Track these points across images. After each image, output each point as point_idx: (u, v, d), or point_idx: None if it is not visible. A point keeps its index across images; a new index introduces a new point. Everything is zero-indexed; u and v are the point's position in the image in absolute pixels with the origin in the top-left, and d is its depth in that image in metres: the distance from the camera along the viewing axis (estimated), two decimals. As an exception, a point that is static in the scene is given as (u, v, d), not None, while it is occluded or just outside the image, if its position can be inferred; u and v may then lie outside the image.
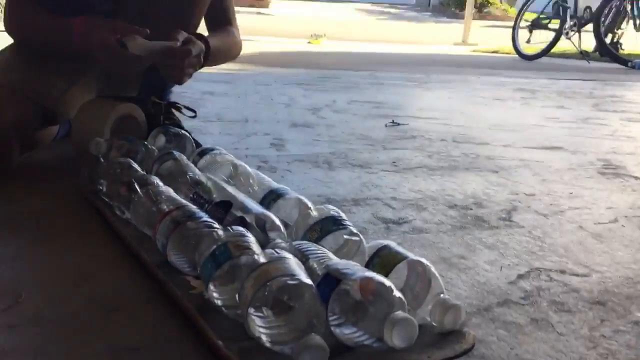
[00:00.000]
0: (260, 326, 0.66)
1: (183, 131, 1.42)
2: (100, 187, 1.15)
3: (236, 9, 1.72)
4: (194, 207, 0.94)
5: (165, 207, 0.95)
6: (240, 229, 0.81)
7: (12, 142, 1.31)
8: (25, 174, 1.36)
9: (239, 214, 0.95)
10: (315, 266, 0.75)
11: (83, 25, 1.29)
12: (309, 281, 0.67)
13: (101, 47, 1.25)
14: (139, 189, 1.03)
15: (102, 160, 1.28)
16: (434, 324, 0.72)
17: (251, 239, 0.79)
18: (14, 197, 1.22)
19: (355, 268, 0.71)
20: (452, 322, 0.71)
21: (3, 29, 1.44)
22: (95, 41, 1.25)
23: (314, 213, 0.93)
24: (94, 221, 1.11)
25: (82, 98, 1.49)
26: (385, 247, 0.80)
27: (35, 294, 0.83)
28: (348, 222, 0.90)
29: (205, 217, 0.90)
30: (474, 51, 7.90)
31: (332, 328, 0.68)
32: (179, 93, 1.91)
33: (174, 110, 1.61)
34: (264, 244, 0.83)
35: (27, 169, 1.39)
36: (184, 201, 0.97)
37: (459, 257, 1.04)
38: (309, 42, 7.66)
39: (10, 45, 1.49)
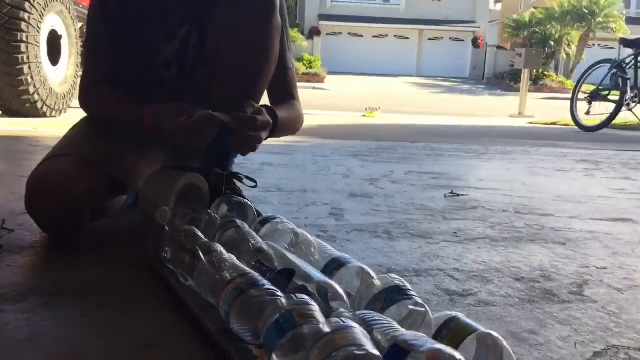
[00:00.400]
0: (326, 398, 0.64)
1: (245, 200, 1.44)
2: (165, 255, 1.17)
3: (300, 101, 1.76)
4: (257, 275, 0.94)
5: (228, 274, 0.95)
6: (305, 297, 0.80)
7: (84, 210, 1.36)
8: (94, 241, 1.40)
9: (300, 282, 0.94)
10: (381, 337, 0.73)
11: (150, 115, 1.38)
12: (376, 352, 0.65)
13: (172, 129, 1.34)
14: (202, 257, 1.04)
15: (167, 228, 1.30)
16: (508, 401, 0.68)
17: (315, 307, 0.78)
18: (83, 263, 1.25)
19: (424, 339, 0.68)
20: (528, 401, 0.67)
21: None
22: (165, 125, 1.34)
23: (378, 282, 0.91)
24: (158, 288, 1.12)
25: (149, 170, 1.55)
26: (454, 318, 0.77)
27: (101, 360, 0.84)
28: (413, 292, 0.88)
29: (268, 285, 0.90)
30: (530, 123, 7.84)
31: (401, 402, 0.65)
32: (239, 164, 1.96)
33: (235, 181, 1.64)
34: (326, 313, 0.81)
35: (97, 236, 1.44)
36: (247, 269, 0.98)
37: (529, 332, 1.00)
38: (364, 116, 7.79)
39: (84, 119, 1.58)
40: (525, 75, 9.53)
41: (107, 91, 1.50)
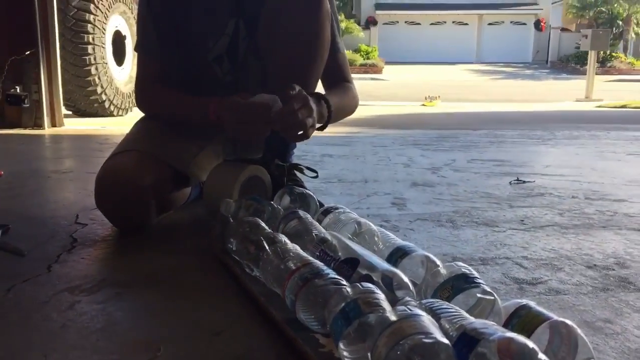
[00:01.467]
0: (394, 386, 0.64)
1: (307, 191, 1.45)
2: (231, 246, 1.19)
3: (354, 83, 1.75)
4: (321, 264, 0.94)
5: (292, 264, 0.96)
6: (370, 285, 0.80)
7: (150, 202, 1.40)
8: (162, 234, 1.44)
9: (364, 272, 0.94)
10: (448, 326, 0.72)
11: (218, 101, 1.38)
12: (445, 340, 0.64)
13: (232, 123, 1.35)
14: (267, 247, 1.06)
15: (232, 220, 1.33)
16: (584, 392, 0.66)
17: (381, 295, 0.77)
18: (152, 256, 1.29)
19: (494, 327, 0.67)
20: (606, 391, 0.64)
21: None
22: (227, 117, 1.35)
23: (444, 270, 0.89)
24: (225, 278, 1.14)
25: (210, 162, 1.58)
26: (525, 306, 0.75)
27: (173, 348, 0.86)
28: (480, 280, 0.86)
29: (333, 274, 0.90)
30: (599, 107, 7.54)
31: (471, 392, 0.64)
32: (299, 157, 1.97)
33: (296, 172, 1.65)
34: (392, 302, 0.80)
35: (164, 229, 1.48)
36: (311, 258, 0.98)
37: (604, 321, 0.96)
38: (423, 105, 7.69)
39: (142, 118, 1.62)
40: (592, 57, 9.16)
41: (164, 90, 1.53)
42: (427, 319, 0.68)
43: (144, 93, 1.57)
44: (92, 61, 4.66)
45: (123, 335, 0.90)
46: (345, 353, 0.75)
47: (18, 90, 3.70)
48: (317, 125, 1.42)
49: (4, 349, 0.85)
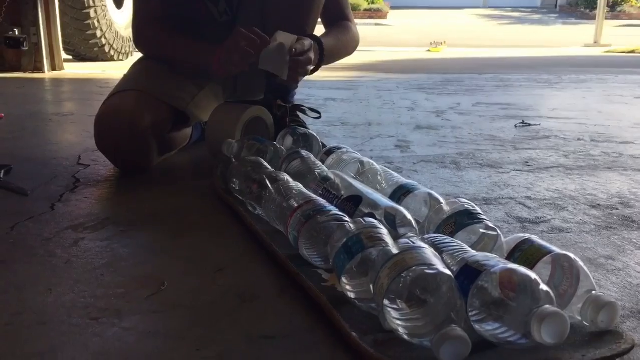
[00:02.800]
0: (396, 318, 0.64)
1: (310, 131, 1.43)
2: (233, 185, 1.19)
3: (354, 21, 1.71)
4: (324, 202, 0.94)
5: (295, 202, 0.95)
6: (373, 220, 0.80)
7: (150, 142, 1.39)
8: (164, 175, 1.44)
9: (367, 210, 0.93)
10: (450, 260, 0.72)
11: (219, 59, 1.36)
12: (447, 272, 0.64)
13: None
14: (269, 185, 1.05)
15: (234, 160, 1.32)
16: (585, 323, 0.66)
17: (384, 230, 0.77)
18: (155, 196, 1.29)
19: (497, 260, 0.66)
20: (607, 321, 0.64)
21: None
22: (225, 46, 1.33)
23: (447, 207, 0.89)
24: (228, 218, 1.14)
25: (209, 102, 1.56)
26: (527, 240, 0.75)
27: (176, 283, 0.87)
28: (484, 216, 0.85)
29: (336, 211, 0.90)
30: (607, 52, 7.41)
31: (473, 324, 0.64)
32: (301, 100, 1.94)
33: (298, 113, 1.64)
34: (394, 239, 0.80)
35: (167, 170, 1.48)
36: (314, 196, 0.97)
37: (606, 257, 0.96)
38: (428, 51, 7.56)
39: (140, 59, 1.59)
40: (602, 1, 8.94)
41: (164, 30, 1.49)
42: (429, 252, 0.68)
43: (142, 32, 1.53)
44: (91, 4, 4.56)
45: (127, 271, 0.91)
46: (348, 287, 0.75)
47: (17, 33, 3.64)
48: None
49: (10, 283, 0.86)
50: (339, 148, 1.29)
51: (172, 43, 1.48)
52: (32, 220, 1.11)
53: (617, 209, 1.20)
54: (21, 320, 0.75)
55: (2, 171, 1.37)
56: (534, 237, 0.76)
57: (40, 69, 3.79)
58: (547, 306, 0.59)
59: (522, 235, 0.77)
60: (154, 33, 1.51)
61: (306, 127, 1.57)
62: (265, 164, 1.19)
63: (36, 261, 0.94)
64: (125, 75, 1.54)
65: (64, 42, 4.40)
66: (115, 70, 4.08)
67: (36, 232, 1.05)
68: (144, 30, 1.52)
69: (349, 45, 1.64)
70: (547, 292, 0.61)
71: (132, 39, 5.27)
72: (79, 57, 4.88)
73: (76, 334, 0.72)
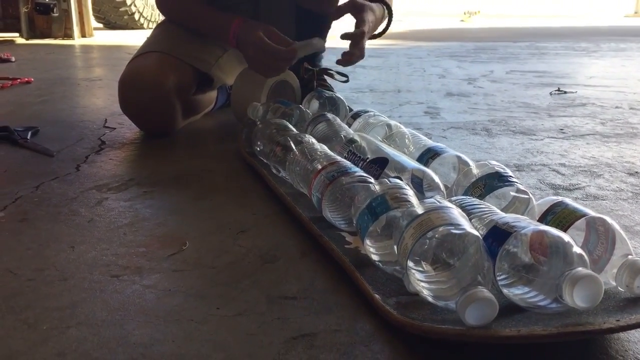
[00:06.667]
0: (420, 280, 0.62)
1: (336, 94, 1.40)
2: (258, 148, 1.17)
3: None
4: (348, 163, 0.91)
5: (319, 163, 0.93)
6: (398, 181, 0.77)
7: (173, 104, 1.38)
8: (189, 138, 1.43)
9: (393, 173, 0.90)
10: (478, 223, 0.69)
11: (237, 32, 1.33)
12: (475, 232, 0.61)
13: (252, 50, 1.32)
14: (294, 147, 1.03)
15: (259, 123, 1.30)
16: (620, 289, 0.63)
17: (410, 191, 0.74)
18: (179, 159, 1.28)
19: (527, 222, 0.63)
20: (644, 287, 0.61)
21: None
22: (249, 43, 1.31)
23: (476, 170, 0.86)
24: (252, 180, 1.13)
25: (233, 65, 1.53)
26: (561, 203, 0.71)
27: (198, 244, 0.86)
28: (515, 179, 0.82)
29: (361, 172, 0.87)
30: (649, 20, 7.15)
31: (501, 287, 0.61)
32: (329, 65, 1.90)
33: (326, 77, 1.60)
34: (421, 201, 0.77)
35: (191, 133, 1.46)
36: (339, 157, 0.95)
37: (643, 225, 0.92)
38: (461, 21, 7.39)
39: (161, 22, 1.57)
40: (644, -33, 8.59)
41: None
42: (456, 211, 0.65)
43: None
44: (121, -29, 4.56)
45: (150, 231, 0.90)
46: (371, 249, 0.73)
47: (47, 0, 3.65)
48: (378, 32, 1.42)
49: (33, 240, 0.86)
50: (366, 111, 1.26)
51: (192, 12, 1.45)
52: (57, 180, 1.11)
53: (656, 177, 1.15)
54: (43, 276, 0.75)
55: (29, 132, 1.38)
56: (567, 200, 0.72)
57: (70, 36, 3.81)
58: (580, 269, 0.56)
59: (554, 197, 0.74)
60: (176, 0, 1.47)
61: (333, 91, 1.53)
62: (290, 126, 1.17)
63: (60, 219, 0.93)
64: (148, 38, 1.52)
65: (94, 11, 4.42)
66: (144, 38, 4.08)
67: (60, 192, 1.05)
68: None
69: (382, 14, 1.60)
70: (580, 254, 0.58)
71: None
72: (109, 25, 4.90)
73: (97, 290, 0.71)
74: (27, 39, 3.72)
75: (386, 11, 1.43)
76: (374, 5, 1.38)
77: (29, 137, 1.36)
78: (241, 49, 1.35)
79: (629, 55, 3.20)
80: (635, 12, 8.57)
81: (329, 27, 1.57)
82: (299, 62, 1.55)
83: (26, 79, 2.19)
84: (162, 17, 5.00)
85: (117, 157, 1.28)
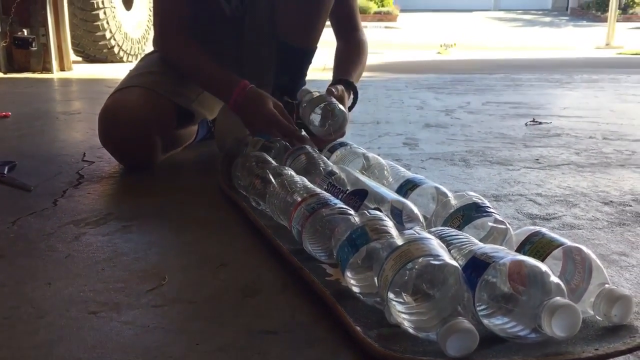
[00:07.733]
0: (401, 312, 0.62)
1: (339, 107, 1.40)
2: (238, 181, 1.17)
3: (364, 24, 1.69)
4: (328, 195, 0.92)
5: (299, 196, 0.93)
6: (378, 212, 0.77)
7: (154, 139, 1.38)
8: (168, 172, 1.42)
9: (373, 205, 0.91)
10: (458, 254, 0.69)
11: (243, 95, 1.34)
12: (454, 263, 0.62)
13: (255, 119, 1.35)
14: (273, 180, 1.03)
15: (239, 156, 1.30)
16: (598, 317, 0.64)
17: (389, 222, 0.75)
18: (158, 192, 1.27)
19: (505, 252, 0.64)
20: (621, 315, 0.62)
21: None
22: (257, 114, 1.34)
23: (454, 201, 0.87)
24: (232, 213, 1.12)
25: (215, 100, 1.53)
26: (538, 232, 0.72)
27: (178, 278, 0.85)
28: (493, 209, 0.83)
29: (341, 204, 0.87)
30: (619, 54, 7.35)
31: (481, 318, 0.62)
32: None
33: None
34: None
35: (171, 166, 1.46)
36: (318, 190, 0.95)
37: (619, 254, 0.93)
38: (438, 53, 7.53)
39: (146, 55, 1.58)
40: (613, 3, 8.87)
41: (189, 46, 1.42)
42: (435, 242, 0.65)
43: (167, 41, 1.47)
44: (100, 5, 4.57)
45: (128, 265, 0.89)
46: (352, 281, 0.73)
47: (25, 34, 3.65)
48: None
49: (9, 277, 0.84)
50: (344, 144, 1.27)
51: (194, 63, 1.42)
52: (34, 215, 1.10)
53: (630, 206, 1.17)
54: (19, 313, 0.74)
55: (6, 167, 1.36)
56: (545, 230, 0.74)
57: (48, 70, 3.80)
58: (558, 298, 0.57)
59: (532, 227, 0.75)
60: (178, 46, 1.44)
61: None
62: (270, 159, 1.18)
63: (36, 255, 0.92)
64: (130, 71, 1.53)
65: (73, 44, 4.42)
66: (124, 72, 4.08)
67: (37, 227, 1.04)
68: (169, 39, 1.45)
69: (364, 62, 1.62)
70: (557, 284, 0.59)
71: (141, 41, 5.30)
72: (89, 59, 4.90)
73: (74, 328, 0.70)
74: (5, 73, 3.71)
75: (352, 95, 1.48)
76: (345, 93, 1.42)
77: (5, 172, 1.34)
78: (242, 116, 1.35)
79: (601, 86, 3.28)
80: (607, 44, 8.80)
81: (309, 62, 1.59)
82: (279, 96, 1.56)
83: (4, 113, 2.17)
84: (142, 51, 5.00)
85: (95, 191, 1.27)
